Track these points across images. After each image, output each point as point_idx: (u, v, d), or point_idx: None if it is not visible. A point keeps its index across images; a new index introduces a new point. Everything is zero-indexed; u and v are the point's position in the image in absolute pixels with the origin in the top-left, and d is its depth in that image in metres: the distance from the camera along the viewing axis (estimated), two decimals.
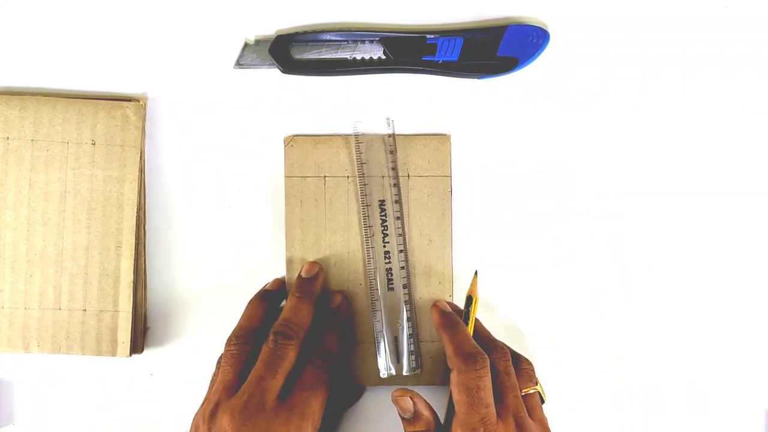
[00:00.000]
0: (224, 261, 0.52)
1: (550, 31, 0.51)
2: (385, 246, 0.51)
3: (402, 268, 0.51)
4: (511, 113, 0.52)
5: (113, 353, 0.50)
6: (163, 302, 0.52)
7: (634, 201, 0.52)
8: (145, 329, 0.51)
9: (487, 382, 0.45)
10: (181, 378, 0.52)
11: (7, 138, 0.50)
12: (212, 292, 0.52)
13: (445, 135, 0.51)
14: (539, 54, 0.51)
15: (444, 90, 0.52)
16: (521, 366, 0.48)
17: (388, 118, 0.51)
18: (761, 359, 0.52)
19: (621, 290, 0.52)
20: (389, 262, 0.51)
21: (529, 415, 0.46)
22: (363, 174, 0.51)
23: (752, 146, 0.52)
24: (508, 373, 0.46)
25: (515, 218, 0.51)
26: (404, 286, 0.51)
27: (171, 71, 0.52)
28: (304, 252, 0.51)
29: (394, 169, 0.51)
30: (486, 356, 0.45)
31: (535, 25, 0.51)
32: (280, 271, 0.51)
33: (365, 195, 0.51)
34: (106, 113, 0.50)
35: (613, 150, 0.52)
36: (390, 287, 0.51)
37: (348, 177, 0.51)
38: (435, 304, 0.50)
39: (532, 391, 0.47)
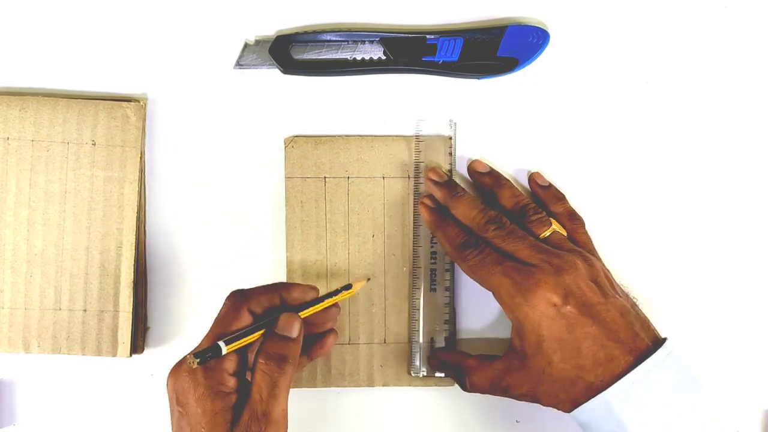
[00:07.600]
0: (224, 261, 0.52)
1: (550, 31, 0.51)
2: (432, 246, 0.51)
3: (447, 270, 0.51)
4: (511, 113, 0.52)
5: (114, 353, 0.50)
6: (163, 302, 0.52)
7: (634, 201, 0.52)
8: (146, 329, 0.51)
9: (487, 254, 0.46)
10: None
11: (8, 138, 0.50)
12: (212, 292, 0.51)
13: (445, 136, 0.52)
14: (539, 54, 0.51)
15: (444, 90, 0.52)
16: (530, 219, 0.48)
17: (450, 120, 0.51)
18: (761, 359, 0.52)
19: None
20: (434, 263, 0.51)
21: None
22: (419, 173, 0.51)
23: (752, 146, 0.52)
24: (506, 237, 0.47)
25: None
26: (446, 289, 0.51)
27: (171, 71, 0.52)
28: (304, 252, 0.51)
29: (450, 171, 0.51)
30: (473, 238, 0.47)
31: (535, 25, 0.51)
32: (281, 272, 0.51)
33: (418, 193, 0.51)
34: (107, 114, 0.50)
35: (613, 150, 0.52)
36: (432, 288, 0.51)
37: (348, 178, 0.51)
38: (421, 201, 0.50)
39: (549, 233, 0.47)
